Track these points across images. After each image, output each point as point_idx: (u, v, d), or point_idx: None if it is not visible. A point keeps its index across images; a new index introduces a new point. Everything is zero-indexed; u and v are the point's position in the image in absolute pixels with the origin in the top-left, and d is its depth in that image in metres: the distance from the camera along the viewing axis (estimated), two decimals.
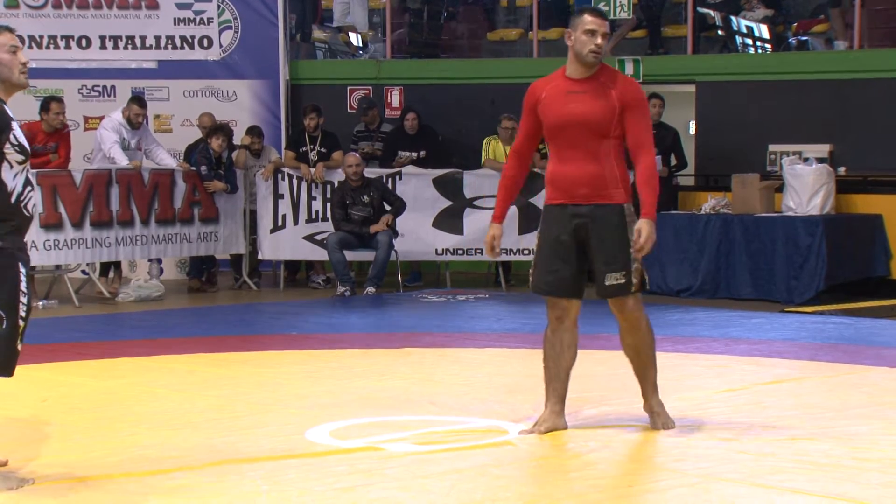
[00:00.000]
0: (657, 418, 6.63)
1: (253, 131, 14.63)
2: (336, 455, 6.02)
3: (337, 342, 9.98)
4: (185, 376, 8.36)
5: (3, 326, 5.27)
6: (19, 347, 5.35)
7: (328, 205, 14.10)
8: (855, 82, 14.25)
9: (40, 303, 12.62)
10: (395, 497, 5.28)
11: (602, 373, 8.44)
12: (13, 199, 5.31)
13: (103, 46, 15.67)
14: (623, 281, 6.43)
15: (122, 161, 13.27)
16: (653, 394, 6.67)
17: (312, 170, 14.19)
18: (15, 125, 5.35)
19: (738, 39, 16.36)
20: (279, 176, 14.28)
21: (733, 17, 16.31)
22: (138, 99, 13.77)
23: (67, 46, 15.52)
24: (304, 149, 14.41)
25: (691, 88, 15.33)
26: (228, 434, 6.50)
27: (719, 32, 16.52)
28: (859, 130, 14.18)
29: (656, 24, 16.06)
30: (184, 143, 14.91)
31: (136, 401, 7.50)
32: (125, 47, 15.72)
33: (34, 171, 12.38)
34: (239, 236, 14.24)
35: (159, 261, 14.30)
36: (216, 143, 13.71)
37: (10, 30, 5.47)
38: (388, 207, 13.79)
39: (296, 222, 14.31)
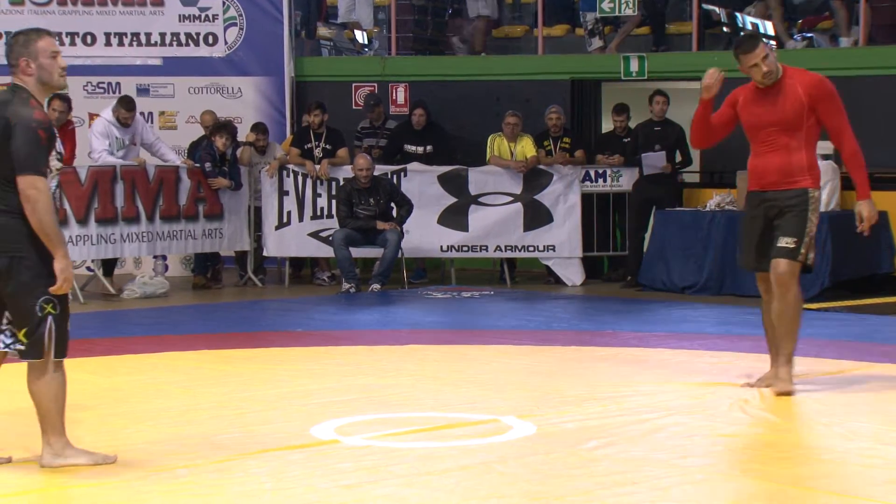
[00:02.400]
0: (777, 382, 7.39)
1: (257, 128, 14.62)
2: (341, 452, 6.03)
3: (342, 339, 9.98)
4: (189, 373, 8.37)
5: (57, 311, 5.68)
6: (69, 327, 5.81)
7: (333, 201, 14.09)
8: (860, 79, 14.21)
9: None
10: (399, 494, 5.28)
11: (606, 369, 8.45)
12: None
13: (108, 43, 15.67)
14: (793, 246, 7.38)
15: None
16: (783, 364, 7.44)
17: (317, 167, 14.19)
18: (55, 133, 5.76)
19: None
20: (284, 173, 14.28)
21: (738, 14, 16.30)
22: (126, 100, 13.66)
23: (72, 43, 15.52)
24: (308, 146, 14.40)
25: (696, 85, 15.25)
26: (233, 430, 6.50)
27: (724, 29, 16.50)
28: (864, 127, 14.06)
29: (661, 21, 16.05)
30: (189, 140, 14.91)
31: (140, 397, 7.50)
32: (130, 44, 15.72)
33: None
34: (244, 233, 14.24)
35: (164, 257, 14.31)
36: (220, 141, 13.71)
37: (49, 34, 5.83)
38: (394, 207, 13.78)
39: (300, 219, 14.31)
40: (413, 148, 14.69)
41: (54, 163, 5.68)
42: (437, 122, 14.98)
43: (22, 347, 5.69)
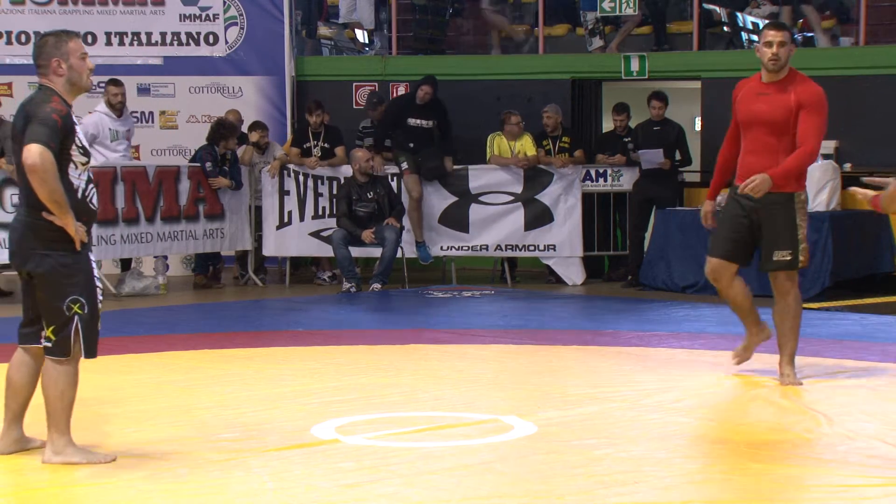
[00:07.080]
0: (784, 378, 7.67)
1: (257, 127, 14.61)
2: (342, 451, 6.03)
3: (342, 338, 9.98)
4: (190, 372, 8.37)
5: (85, 311, 5.76)
6: (99, 328, 5.88)
7: (334, 201, 14.06)
8: (860, 78, 14.22)
9: None
10: (400, 493, 5.28)
11: (607, 368, 8.45)
12: (79, 196, 5.77)
13: (109, 42, 15.67)
14: (789, 258, 7.59)
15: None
16: (786, 363, 7.69)
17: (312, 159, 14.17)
18: (78, 129, 5.78)
19: (744, 36, 16.34)
20: (285, 172, 14.27)
21: (739, 14, 16.29)
22: (113, 80, 13.74)
23: None
24: (307, 145, 14.39)
25: (697, 85, 15.32)
26: (233, 430, 6.50)
27: (725, 29, 16.50)
28: (865, 126, 14.15)
29: (662, 21, 16.05)
30: (189, 140, 14.91)
31: (140, 397, 7.50)
32: (131, 43, 15.72)
33: None
34: (245, 233, 14.24)
35: (165, 257, 14.31)
36: (232, 143, 13.74)
37: (78, 35, 5.93)
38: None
39: (301, 219, 14.31)
40: (417, 121, 14.43)
41: (78, 157, 5.73)
42: (439, 98, 14.64)
43: (49, 344, 5.79)
